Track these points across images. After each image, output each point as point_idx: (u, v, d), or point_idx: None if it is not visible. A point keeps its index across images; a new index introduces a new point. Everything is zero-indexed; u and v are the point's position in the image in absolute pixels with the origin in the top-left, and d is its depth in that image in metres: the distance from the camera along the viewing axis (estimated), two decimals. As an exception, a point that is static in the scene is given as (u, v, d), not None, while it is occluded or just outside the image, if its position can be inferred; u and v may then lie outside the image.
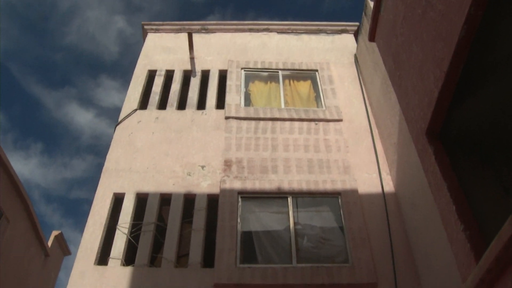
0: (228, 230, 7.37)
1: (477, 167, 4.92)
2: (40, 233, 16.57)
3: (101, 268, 7.10)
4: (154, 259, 7.48)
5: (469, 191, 4.61)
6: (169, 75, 10.55)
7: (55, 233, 18.11)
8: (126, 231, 7.55)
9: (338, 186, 8.06)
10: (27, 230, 16.02)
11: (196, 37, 11.13)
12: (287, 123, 9.14)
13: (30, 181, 67.60)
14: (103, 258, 7.33)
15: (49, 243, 17.57)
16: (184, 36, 11.04)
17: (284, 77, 10.47)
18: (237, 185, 8.01)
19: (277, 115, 9.25)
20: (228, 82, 10.06)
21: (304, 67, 10.68)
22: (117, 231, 7.57)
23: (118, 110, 9.58)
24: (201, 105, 9.84)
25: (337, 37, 11.76)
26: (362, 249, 7.22)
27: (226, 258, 7.04)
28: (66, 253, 18.75)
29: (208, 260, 7.25)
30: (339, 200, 7.94)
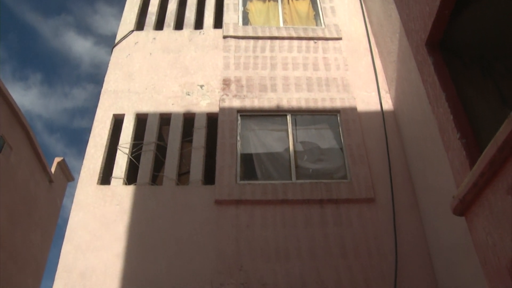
0: (228, 148, 7.46)
1: (476, 79, 4.91)
2: (43, 159, 16.81)
3: (104, 187, 7.24)
4: (156, 178, 7.63)
5: (467, 101, 4.63)
6: (165, -6, 10.28)
7: (57, 159, 18.39)
8: (127, 151, 7.63)
9: (337, 104, 8.07)
10: (30, 157, 16.24)
11: (191, -46, 10.73)
12: (286, 42, 9.01)
13: (31, 112, 67.72)
14: (105, 178, 7.47)
15: (53, 170, 17.86)
16: (179, -46, 10.65)
17: (283, -5, 10.21)
18: (236, 103, 8.02)
19: (275, 34, 9.09)
20: (226, 1, 9.81)
21: (303, -15, 10.38)
22: (118, 152, 7.66)
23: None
24: (199, 24, 9.65)
25: (337, -47, 11.34)
26: (361, 166, 7.34)
27: (226, 175, 7.17)
28: (69, 179, 19.12)
29: (209, 177, 7.40)
30: (338, 118, 7.98)
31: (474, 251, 4.76)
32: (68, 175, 19.01)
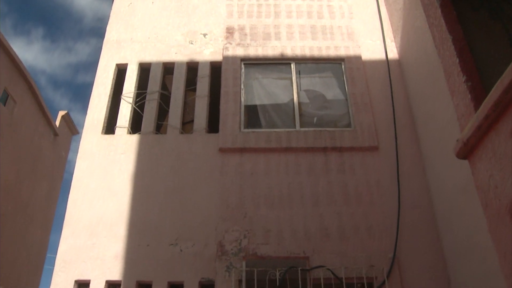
0: (231, 96, 7.44)
1: (484, 21, 4.83)
2: (47, 113, 16.83)
3: (108, 137, 7.28)
4: (160, 127, 7.64)
5: (474, 44, 4.58)
6: None
7: (61, 113, 18.39)
8: (130, 100, 7.63)
9: (342, 52, 7.99)
10: (34, 111, 16.25)
11: None
12: (290, -11, 8.84)
13: (35, 67, 67.36)
14: (109, 127, 7.49)
15: (57, 123, 17.90)
16: None
17: None
18: (240, 52, 7.94)
19: (279, -19, 8.91)
20: None
21: None
22: (122, 101, 7.65)
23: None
24: (201, -28, 9.45)
25: None
26: (365, 114, 7.33)
27: (230, 123, 7.18)
28: (74, 132, 19.18)
29: (213, 126, 7.41)
30: (343, 66, 7.92)
31: (475, 194, 4.80)
32: (72, 128, 19.05)
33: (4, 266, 13.47)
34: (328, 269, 6.00)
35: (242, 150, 6.97)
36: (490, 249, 4.78)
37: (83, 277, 6.12)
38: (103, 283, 6.07)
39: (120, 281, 6.09)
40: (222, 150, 6.98)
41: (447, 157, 5.98)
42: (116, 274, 6.13)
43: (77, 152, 7.15)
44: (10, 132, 14.38)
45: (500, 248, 3.71)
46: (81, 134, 7.37)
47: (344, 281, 5.91)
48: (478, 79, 4.25)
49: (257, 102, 7.66)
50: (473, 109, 4.12)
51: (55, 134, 17.60)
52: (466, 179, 5.32)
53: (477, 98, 4.11)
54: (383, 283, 5.97)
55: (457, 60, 4.34)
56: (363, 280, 5.98)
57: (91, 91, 7.74)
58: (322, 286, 5.89)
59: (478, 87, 4.20)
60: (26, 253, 15.21)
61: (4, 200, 13.65)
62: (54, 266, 6.19)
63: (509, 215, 3.53)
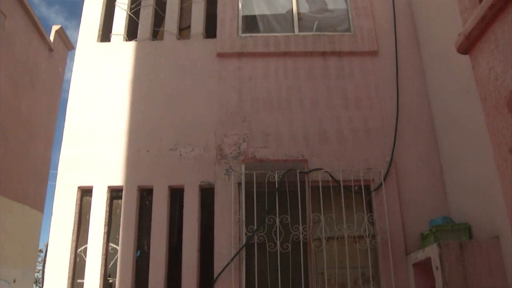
0: (229, 1, 7.24)
1: None
2: (41, 27, 16.43)
3: (104, 44, 7.16)
4: (156, 33, 7.48)
5: None
6: None
7: (55, 27, 17.96)
8: (125, 7, 7.43)
9: (342, -47, 7.67)
10: (27, 25, 15.85)
11: None
12: None
13: (24, -17, 64.78)
14: (105, 35, 7.34)
15: (52, 39, 17.54)
16: None
17: None
18: (236, -46, 7.62)
19: None
20: None
21: None
22: (116, 8, 7.46)
23: None
24: None
25: None
26: (365, 18, 7.15)
27: (228, 27, 7.03)
28: (69, 48, 18.82)
29: (210, 31, 7.25)
30: (343, -31, 7.64)
31: (474, 98, 4.79)
32: (67, 43, 18.64)
33: (11, 181, 13.71)
34: (326, 171, 6.11)
35: (240, 55, 6.87)
36: (486, 151, 4.82)
37: (85, 183, 6.26)
38: (105, 189, 6.21)
39: (122, 186, 6.21)
40: (220, 55, 6.88)
41: (447, 61, 5.92)
42: (117, 180, 6.26)
43: (72, 68, 7.03)
44: (4, 47, 14.10)
45: (495, 140, 3.76)
46: (76, 43, 7.23)
47: (341, 183, 6.04)
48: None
49: (255, 6, 7.44)
50: (477, 1, 4.02)
51: (50, 50, 17.27)
52: (465, 82, 5.28)
53: (482, -9, 4.00)
54: (380, 185, 6.10)
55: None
56: (360, 183, 6.12)
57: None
58: (320, 189, 6.02)
59: (484, -20, 4.06)
60: (30, 168, 15.42)
61: (4, 116, 13.65)
62: (56, 180, 6.30)
63: (507, 106, 3.54)
